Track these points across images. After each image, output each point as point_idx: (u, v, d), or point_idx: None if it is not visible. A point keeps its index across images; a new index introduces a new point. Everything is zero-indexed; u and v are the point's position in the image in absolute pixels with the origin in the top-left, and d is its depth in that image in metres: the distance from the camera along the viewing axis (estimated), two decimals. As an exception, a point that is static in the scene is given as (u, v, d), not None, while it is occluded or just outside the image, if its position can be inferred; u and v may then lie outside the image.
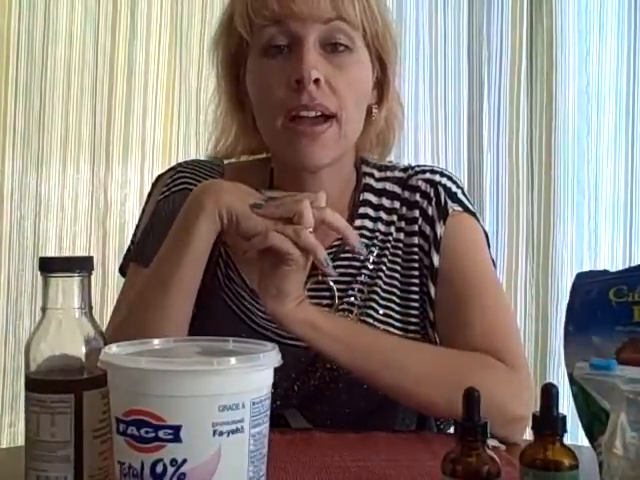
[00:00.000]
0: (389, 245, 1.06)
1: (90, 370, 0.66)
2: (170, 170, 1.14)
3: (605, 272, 0.66)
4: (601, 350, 0.61)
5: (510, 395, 0.94)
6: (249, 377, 0.58)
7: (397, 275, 1.06)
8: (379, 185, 1.10)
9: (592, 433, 0.61)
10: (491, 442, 0.60)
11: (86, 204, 2.12)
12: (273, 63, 0.98)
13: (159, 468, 0.56)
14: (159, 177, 1.15)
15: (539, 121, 2.12)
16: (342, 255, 1.04)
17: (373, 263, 1.06)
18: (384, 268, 1.05)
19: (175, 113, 2.14)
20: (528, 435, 0.86)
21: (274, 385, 0.62)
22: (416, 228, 1.06)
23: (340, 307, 1.03)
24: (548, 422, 0.58)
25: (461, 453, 0.58)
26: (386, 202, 1.09)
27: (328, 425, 1.00)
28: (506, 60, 2.13)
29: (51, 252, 2.07)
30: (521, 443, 0.89)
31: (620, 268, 0.67)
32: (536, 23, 2.13)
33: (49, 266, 0.68)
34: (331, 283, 1.03)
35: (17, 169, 2.10)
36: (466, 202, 1.08)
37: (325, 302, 1.03)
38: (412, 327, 1.05)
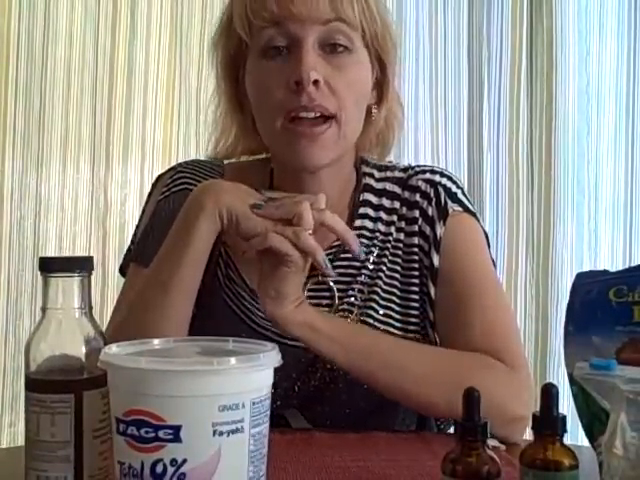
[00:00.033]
0: (389, 245, 1.06)
1: (90, 370, 0.66)
2: (170, 170, 1.14)
3: (605, 272, 0.66)
4: (601, 350, 0.61)
5: (510, 395, 0.94)
6: (249, 377, 0.58)
7: (397, 275, 1.06)
8: (379, 185, 1.10)
9: (592, 433, 0.61)
10: (491, 442, 0.60)
11: (86, 204, 2.12)
12: (272, 64, 0.98)
13: (159, 468, 0.56)
14: (159, 177, 1.15)
15: (539, 121, 2.11)
16: (342, 255, 1.04)
17: (373, 263, 1.06)
18: (384, 268, 1.05)
19: (175, 113, 2.14)
20: (528, 435, 0.86)
21: (274, 385, 0.62)
22: (416, 228, 1.06)
23: (340, 307, 1.03)
24: (548, 422, 0.58)
25: (461, 453, 0.58)
26: (386, 202, 1.09)
27: (328, 425, 1.00)
28: (506, 60, 2.12)
29: (51, 252, 2.07)
30: (521, 443, 0.89)
31: (620, 268, 0.67)
32: (536, 23, 2.12)
33: (49, 266, 0.68)
34: (331, 283, 1.03)
35: (17, 169, 2.10)
36: (466, 202, 1.08)
37: (325, 302, 1.03)
38: (412, 327, 1.05)
